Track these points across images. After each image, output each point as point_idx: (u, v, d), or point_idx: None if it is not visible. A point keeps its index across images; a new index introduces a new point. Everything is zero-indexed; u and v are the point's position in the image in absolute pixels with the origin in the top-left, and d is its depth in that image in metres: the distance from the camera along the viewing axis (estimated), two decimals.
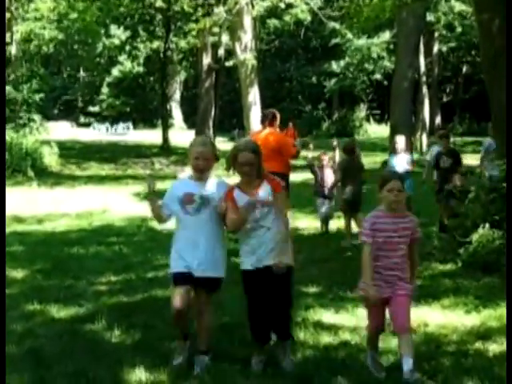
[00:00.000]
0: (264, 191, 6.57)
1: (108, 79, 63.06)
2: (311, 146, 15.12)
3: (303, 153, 14.17)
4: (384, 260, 6.22)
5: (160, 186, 22.64)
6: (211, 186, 6.68)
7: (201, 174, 6.65)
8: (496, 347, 6.88)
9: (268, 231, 6.53)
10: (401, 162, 14.73)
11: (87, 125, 57.77)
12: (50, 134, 37.22)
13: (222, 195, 6.61)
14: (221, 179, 6.85)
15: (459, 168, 13.77)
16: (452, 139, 15.77)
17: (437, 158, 14.05)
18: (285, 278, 6.54)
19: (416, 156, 25.41)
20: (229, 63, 35.61)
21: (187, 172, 7.10)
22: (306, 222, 15.49)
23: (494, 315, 8.00)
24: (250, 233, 6.56)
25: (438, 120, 47.00)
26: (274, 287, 6.49)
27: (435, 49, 48.18)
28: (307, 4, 34.76)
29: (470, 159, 25.50)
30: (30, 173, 28.72)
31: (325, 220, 14.51)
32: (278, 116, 13.24)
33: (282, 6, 32.87)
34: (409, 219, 6.36)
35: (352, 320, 7.99)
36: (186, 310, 6.53)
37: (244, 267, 6.62)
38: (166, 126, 43.27)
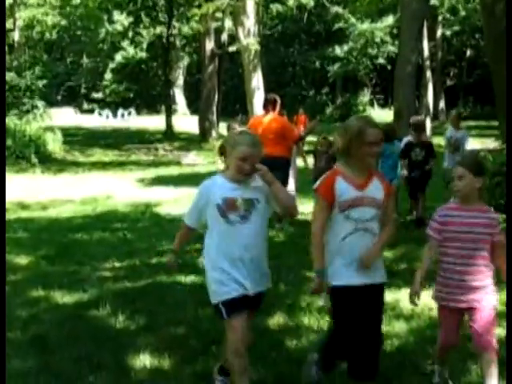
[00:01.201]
0: (377, 188, 5.31)
1: (111, 65, 63.09)
2: None
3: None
4: (458, 260, 5.38)
5: (163, 172, 22.53)
6: (252, 185, 5.41)
7: (245, 178, 5.36)
8: (501, 331, 6.87)
9: (374, 238, 5.28)
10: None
11: (91, 111, 57.89)
12: (54, 121, 37.22)
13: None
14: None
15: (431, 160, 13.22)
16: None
17: (407, 149, 12.98)
18: (381, 301, 5.47)
19: None
20: (232, 48, 35.61)
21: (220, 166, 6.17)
22: (311, 207, 15.47)
23: (499, 299, 7.98)
24: (351, 237, 5.24)
25: (441, 104, 46.98)
26: (372, 310, 5.30)
27: (439, 33, 48.11)
28: None
29: (474, 143, 25.52)
30: (34, 159, 28.71)
31: None
32: (279, 101, 13.33)
33: None
34: (487, 215, 5.43)
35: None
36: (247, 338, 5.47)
37: (340, 282, 5.23)
38: (170, 112, 43.26)
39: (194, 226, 5.63)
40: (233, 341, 5.32)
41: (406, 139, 13.57)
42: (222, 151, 5.57)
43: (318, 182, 5.32)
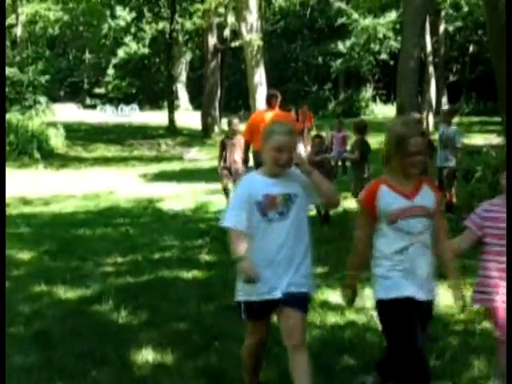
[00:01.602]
0: (427, 196, 4.93)
1: (114, 61, 62.90)
2: None
3: None
4: (503, 258, 5.00)
5: (166, 167, 22.53)
6: (290, 179, 5.11)
7: (282, 169, 5.05)
8: None
9: (427, 251, 4.92)
10: None
11: (93, 106, 57.78)
12: (56, 116, 37.21)
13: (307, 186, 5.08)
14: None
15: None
16: (458, 119, 15.21)
17: None
18: (429, 318, 5.22)
19: None
20: (234, 44, 35.60)
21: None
22: None
23: None
24: (405, 251, 4.86)
25: (444, 100, 46.87)
26: (421, 326, 4.93)
27: (441, 28, 47.95)
28: None
29: (476, 139, 25.52)
30: (37, 155, 28.77)
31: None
32: (280, 96, 13.55)
33: None
34: None
35: (359, 300, 7.98)
36: (265, 340, 5.38)
37: (391, 295, 4.85)
38: (172, 107, 43.21)
39: (244, 228, 5.02)
40: (249, 343, 5.33)
41: None
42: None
43: (361, 192, 5.04)
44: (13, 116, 30.56)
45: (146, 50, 57.14)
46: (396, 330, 4.87)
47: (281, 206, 5.02)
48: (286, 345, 5.07)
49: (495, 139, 23.58)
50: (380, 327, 5.20)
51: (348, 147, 17.37)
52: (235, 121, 14.68)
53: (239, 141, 14.12)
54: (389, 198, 4.85)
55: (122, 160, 29.76)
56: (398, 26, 45.83)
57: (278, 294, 5.00)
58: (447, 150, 13.54)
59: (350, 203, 13.48)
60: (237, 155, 13.99)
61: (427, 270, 4.91)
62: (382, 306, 4.95)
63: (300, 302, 5.06)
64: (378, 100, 55.10)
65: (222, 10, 36.79)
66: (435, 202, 4.94)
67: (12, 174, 21.59)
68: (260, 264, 4.96)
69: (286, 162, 4.99)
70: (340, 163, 18.65)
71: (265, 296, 5.03)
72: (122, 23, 50.34)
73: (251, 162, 13.62)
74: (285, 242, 5.03)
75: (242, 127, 14.62)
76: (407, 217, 4.83)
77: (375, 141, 18.87)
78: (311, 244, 5.24)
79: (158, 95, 62.59)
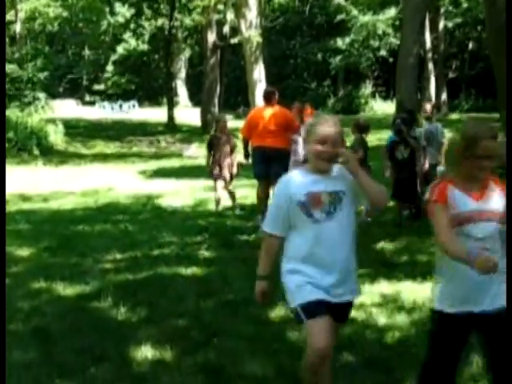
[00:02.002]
0: (498, 197, 4.49)
1: (113, 57, 62.99)
2: None
3: None
4: None
5: (165, 164, 22.51)
6: (336, 176, 4.73)
7: (327, 164, 4.66)
8: None
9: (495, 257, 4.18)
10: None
11: (92, 103, 57.80)
12: (56, 113, 37.17)
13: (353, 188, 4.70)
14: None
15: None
16: (457, 116, 15.09)
17: (391, 148, 12.53)
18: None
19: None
20: (234, 40, 35.64)
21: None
22: None
23: None
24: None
25: (443, 96, 46.86)
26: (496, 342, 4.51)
27: (441, 25, 47.95)
28: None
29: None
30: (36, 151, 28.76)
31: None
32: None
33: None
34: None
35: (358, 297, 7.98)
36: (331, 350, 4.73)
37: (443, 308, 4.54)
38: (171, 104, 43.18)
39: (282, 233, 4.79)
40: (309, 352, 4.64)
41: (391, 137, 13.20)
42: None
43: (427, 194, 4.54)
44: (12, 112, 30.56)
45: (145, 47, 57.25)
46: (433, 344, 4.68)
47: (327, 204, 4.65)
48: None
49: None
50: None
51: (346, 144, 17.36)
52: (224, 119, 14.56)
53: (228, 140, 14.00)
54: (458, 198, 4.41)
55: (121, 156, 29.76)
56: (397, 23, 45.85)
57: (331, 297, 4.70)
58: (432, 147, 13.40)
59: None
60: (226, 155, 13.86)
61: (497, 281, 4.36)
62: (434, 315, 4.69)
63: (341, 311, 4.89)
64: (377, 96, 55.05)
65: (221, 6, 36.82)
66: (505, 204, 4.46)
67: (11, 170, 21.57)
68: (308, 267, 4.68)
69: (330, 155, 4.61)
70: None
71: (317, 295, 4.65)
72: (122, 20, 50.36)
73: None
74: (335, 245, 4.68)
75: (230, 125, 14.55)
76: (476, 221, 4.39)
77: (374, 138, 18.87)
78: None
79: (157, 92, 62.61)
